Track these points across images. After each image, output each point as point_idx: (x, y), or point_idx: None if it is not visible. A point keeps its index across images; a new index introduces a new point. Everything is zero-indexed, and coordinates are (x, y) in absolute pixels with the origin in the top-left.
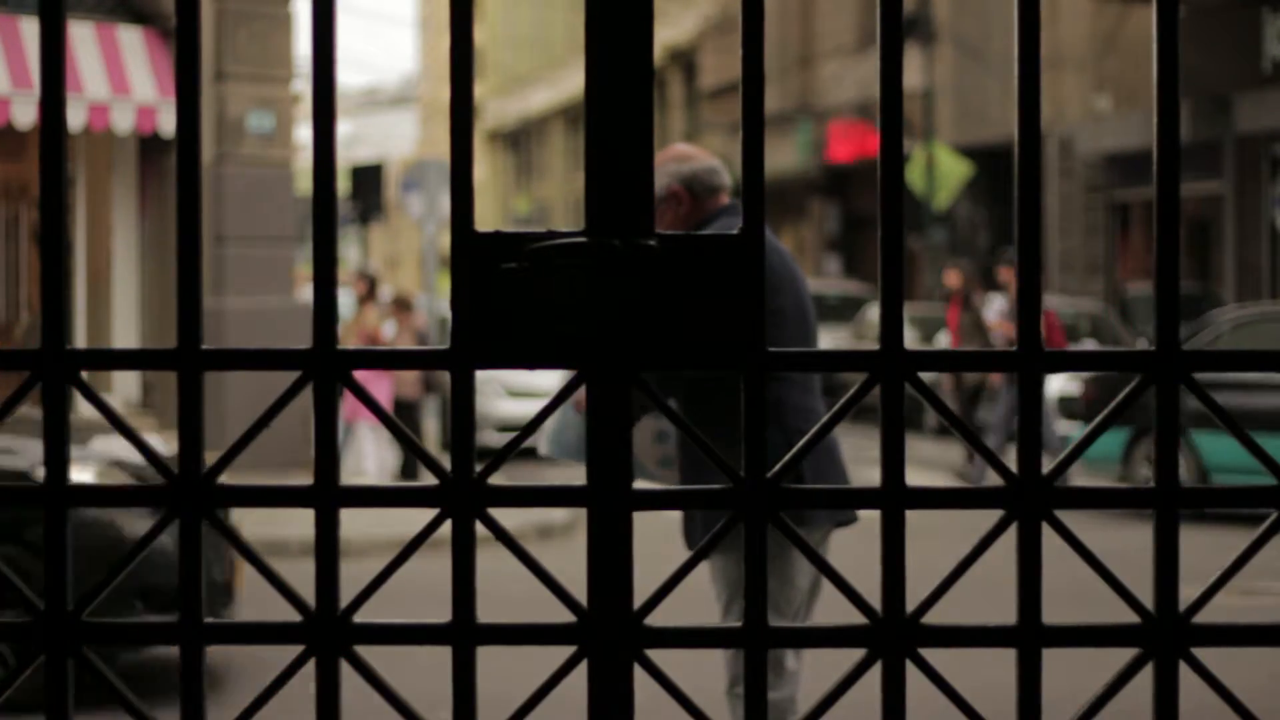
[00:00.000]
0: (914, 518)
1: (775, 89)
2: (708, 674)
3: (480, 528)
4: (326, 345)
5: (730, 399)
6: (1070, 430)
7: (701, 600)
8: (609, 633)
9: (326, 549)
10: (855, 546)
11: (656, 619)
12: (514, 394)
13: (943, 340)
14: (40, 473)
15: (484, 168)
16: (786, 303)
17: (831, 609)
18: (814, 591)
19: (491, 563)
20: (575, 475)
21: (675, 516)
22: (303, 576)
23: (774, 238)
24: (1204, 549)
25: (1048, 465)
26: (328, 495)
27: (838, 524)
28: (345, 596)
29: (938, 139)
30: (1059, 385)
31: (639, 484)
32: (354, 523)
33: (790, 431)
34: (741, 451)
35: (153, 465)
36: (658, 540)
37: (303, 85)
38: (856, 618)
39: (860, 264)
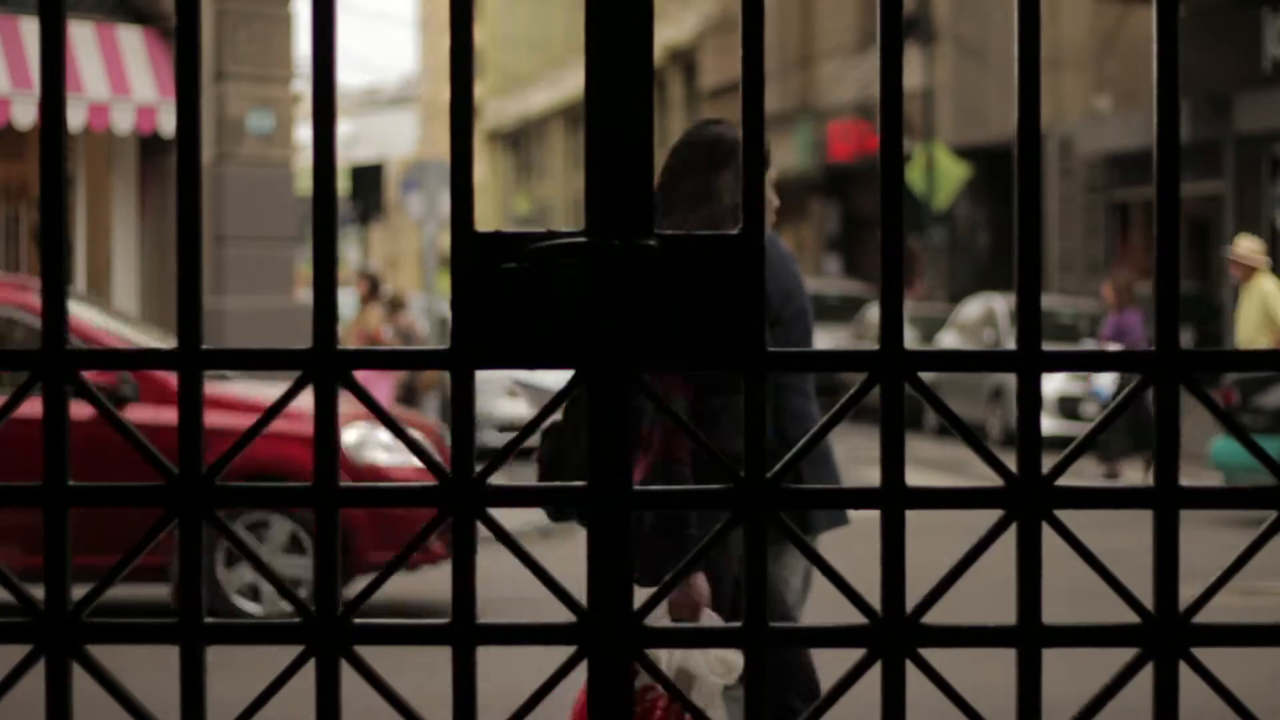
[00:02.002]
0: (914, 517)
1: (775, 89)
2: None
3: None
4: (326, 345)
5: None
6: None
7: None
8: (609, 633)
9: (326, 549)
10: (855, 546)
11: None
12: (514, 393)
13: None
14: None
15: (484, 168)
16: (806, 304)
17: (832, 609)
18: (804, 591)
19: (492, 563)
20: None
21: None
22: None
23: (778, 239)
24: (1204, 549)
25: None
26: (328, 495)
27: (833, 526)
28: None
29: (938, 139)
30: (1059, 385)
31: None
32: None
33: (790, 440)
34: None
35: (154, 465)
36: None
37: (303, 85)
38: (856, 618)
39: (860, 264)
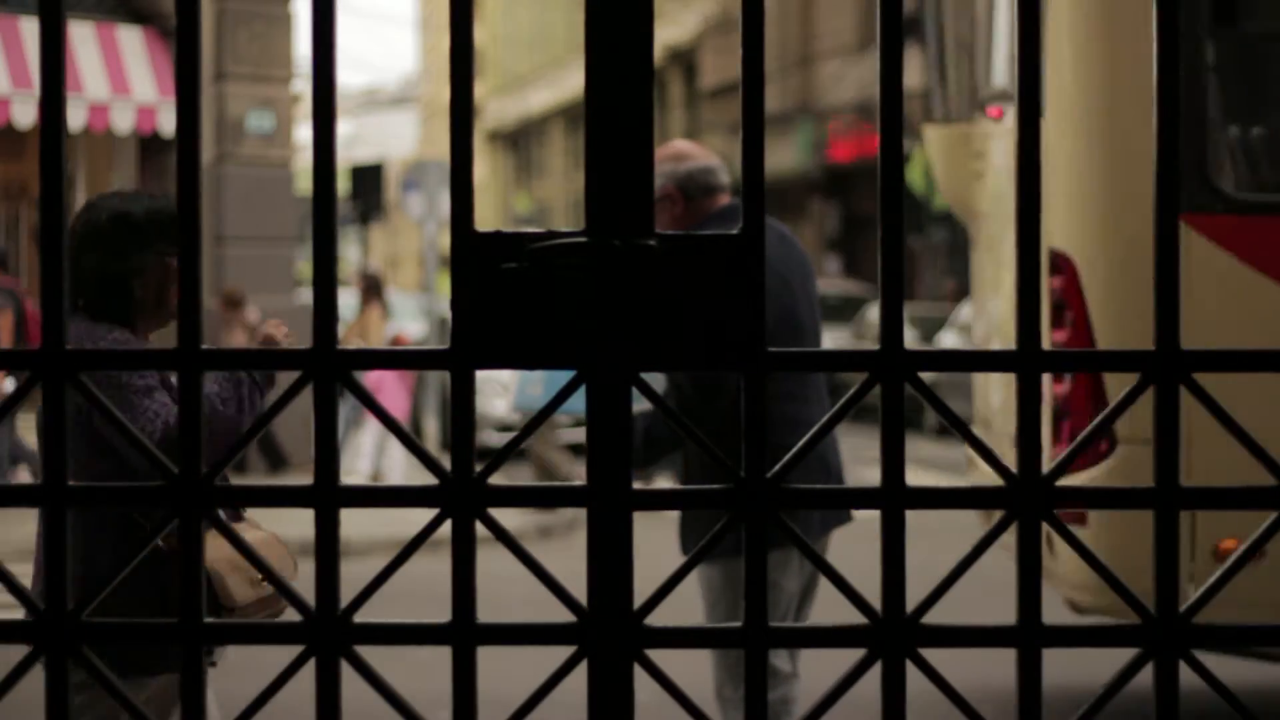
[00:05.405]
0: (914, 517)
1: (775, 89)
2: (708, 674)
3: (480, 528)
4: (326, 345)
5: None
6: None
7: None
8: (609, 633)
9: (326, 549)
10: (855, 546)
11: (656, 619)
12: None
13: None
14: None
15: (484, 168)
16: (793, 305)
17: (832, 609)
18: (807, 596)
19: (491, 563)
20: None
21: (674, 517)
22: (303, 576)
23: (785, 238)
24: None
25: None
26: (328, 495)
27: (831, 527)
28: (345, 596)
29: None
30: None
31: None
32: (354, 523)
33: (773, 447)
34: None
35: (153, 465)
36: (658, 540)
37: (303, 85)
38: (857, 618)
39: (860, 264)
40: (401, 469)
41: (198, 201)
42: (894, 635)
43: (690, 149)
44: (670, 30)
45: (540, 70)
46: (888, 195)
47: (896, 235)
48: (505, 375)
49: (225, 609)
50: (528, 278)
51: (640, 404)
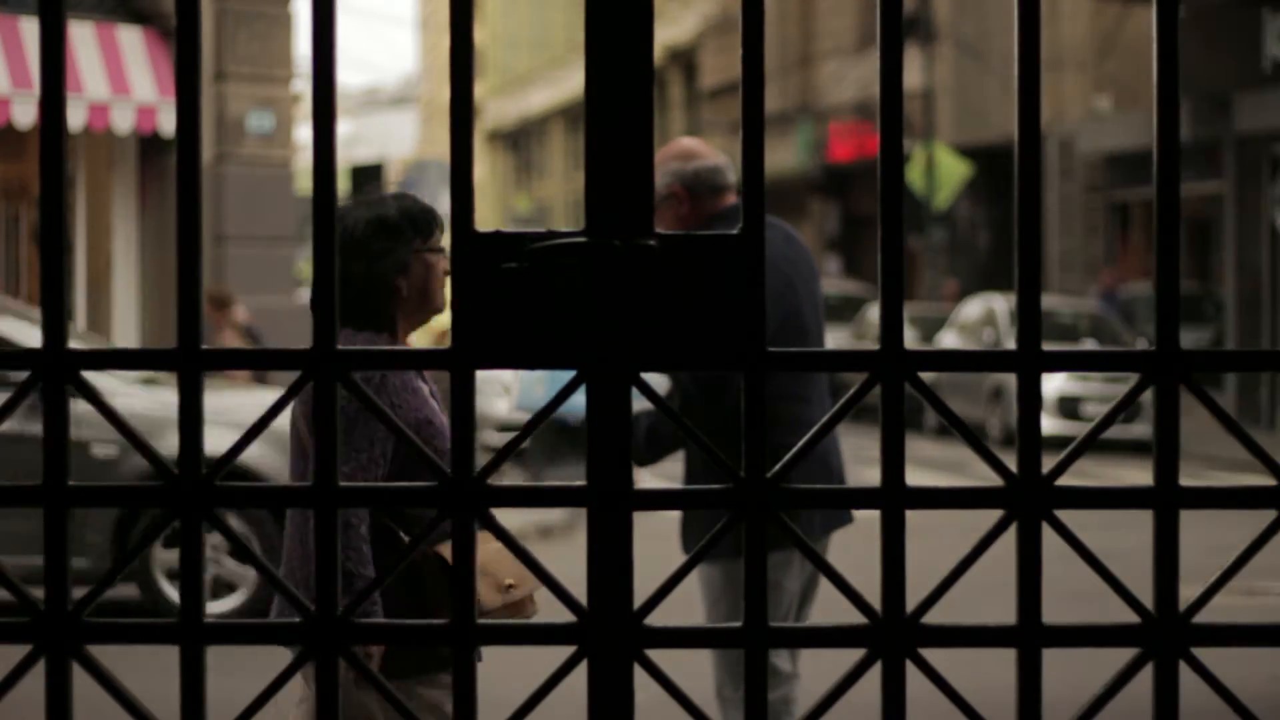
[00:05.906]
0: (914, 517)
1: (775, 89)
2: (708, 674)
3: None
4: (326, 345)
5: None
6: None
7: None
8: (609, 633)
9: (325, 549)
10: (855, 546)
11: (656, 619)
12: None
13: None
14: None
15: (484, 168)
16: (800, 305)
17: (832, 609)
18: (807, 596)
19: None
20: (575, 475)
21: (675, 517)
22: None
23: (790, 238)
24: (1204, 549)
25: None
26: (328, 495)
27: (832, 529)
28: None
29: (938, 139)
30: (1059, 385)
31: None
32: None
33: (775, 447)
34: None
35: (153, 465)
36: (658, 540)
37: (303, 85)
38: (856, 618)
39: (860, 264)
40: None
41: (198, 201)
42: (894, 635)
43: (697, 147)
44: (670, 30)
45: (540, 70)
46: (888, 195)
47: (896, 235)
48: (507, 375)
49: None
50: (528, 278)
51: (642, 402)
